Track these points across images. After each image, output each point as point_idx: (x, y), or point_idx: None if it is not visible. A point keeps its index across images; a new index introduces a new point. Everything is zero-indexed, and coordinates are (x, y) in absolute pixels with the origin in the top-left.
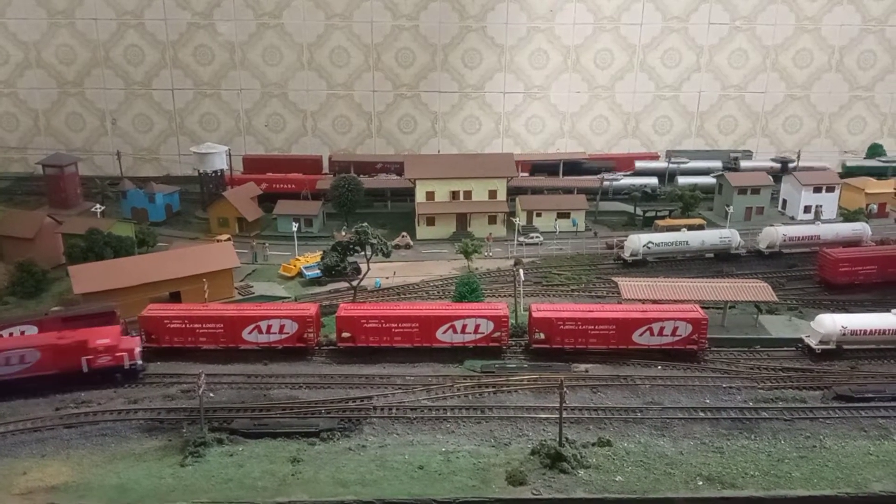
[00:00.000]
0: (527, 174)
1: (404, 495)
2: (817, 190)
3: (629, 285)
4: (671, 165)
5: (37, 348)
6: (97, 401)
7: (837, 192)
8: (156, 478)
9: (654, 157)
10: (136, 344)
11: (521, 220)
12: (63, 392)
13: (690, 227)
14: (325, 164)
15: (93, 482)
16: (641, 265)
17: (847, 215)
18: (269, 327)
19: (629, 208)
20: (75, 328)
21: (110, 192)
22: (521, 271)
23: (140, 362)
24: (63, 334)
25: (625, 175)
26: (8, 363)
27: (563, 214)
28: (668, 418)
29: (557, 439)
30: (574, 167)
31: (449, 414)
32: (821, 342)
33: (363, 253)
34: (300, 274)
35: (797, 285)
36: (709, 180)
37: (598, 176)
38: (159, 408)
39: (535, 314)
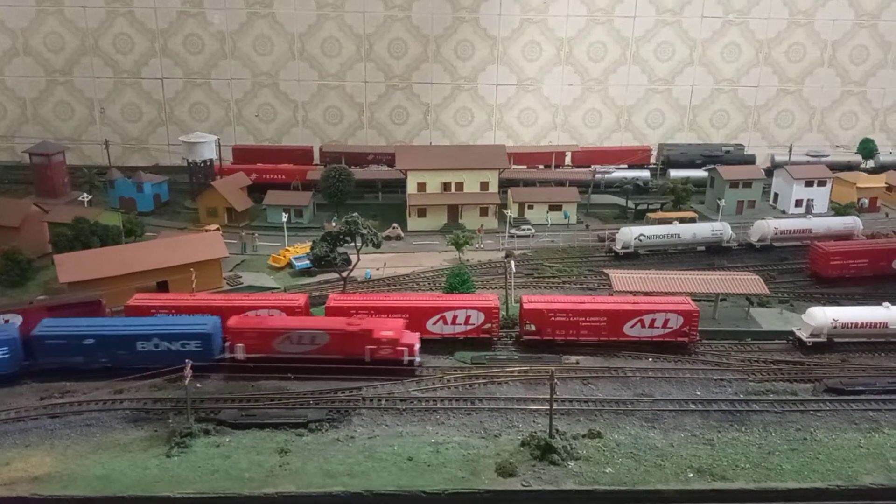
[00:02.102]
0: (523, 166)
1: (393, 487)
2: (809, 184)
3: (621, 277)
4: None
5: (327, 332)
6: (82, 390)
7: (829, 186)
8: (141, 468)
9: (647, 151)
10: (415, 339)
11: (512, 213)
12: (51, 381)
13: (682, 220)
14: (316, 154)
15: (76, 472)
16: (633, 257)
17: (838, 209)
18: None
19: (621, 201)
20: (359, 318)
21: (98, 181)
22: (513, 263)
23: (418, 358)
24: (352, 321)
25: (617, 168)
26: (300, 342)
27: (554, 207)
28: (658, 410)
29: (548, 431)
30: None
31: (439, 405)
32: (812, 335)
33: (353, 243)
34: (290, 264)
35: (788, 278)
36: (701, 174)
37: (590, 168)
38: (145, 398)
39: (526, 306)
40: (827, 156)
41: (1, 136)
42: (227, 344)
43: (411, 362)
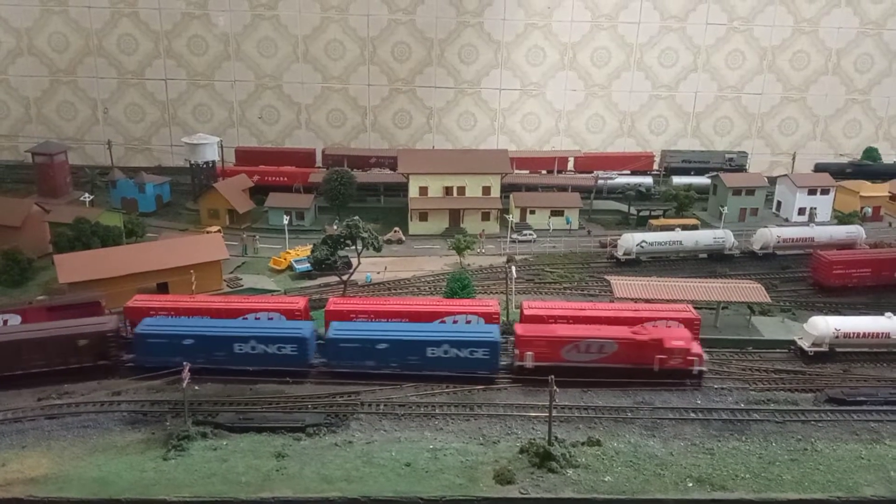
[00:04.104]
0: (526, 171)
1: (390, 493)
2: (812, 192)
3: (622, 284)
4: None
5: (616, 341)
6: (80, 392)
7: (832, 194)
8: (137, 471)
9: (650, 157)
10: (701, 349)
11: (514, 217)
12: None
13: (684, 227)
14: (319, 157)
15: (72, 474)
16: (634, 264)
17: (841, 218)
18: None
19: (623, 207)
20: (644, 327)
21: (100, 181)
22: (514, 268)
23: (704, 368)
24: (637, 330)
25: (619, 174)
26: (588, 350)
27: (556, 212)
28: (658, 419)
29: (546, 438)
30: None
31: (437, 411)
32: (813, 344)
33: (354, 247)
34: (290, 267)
35: (790, 287)
36: (703, 181)
37: (593, 174)
38: (143, 400)
39: (526, 311)
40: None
41: (4, 135)
42: (517, 352)
43: (700, 373)
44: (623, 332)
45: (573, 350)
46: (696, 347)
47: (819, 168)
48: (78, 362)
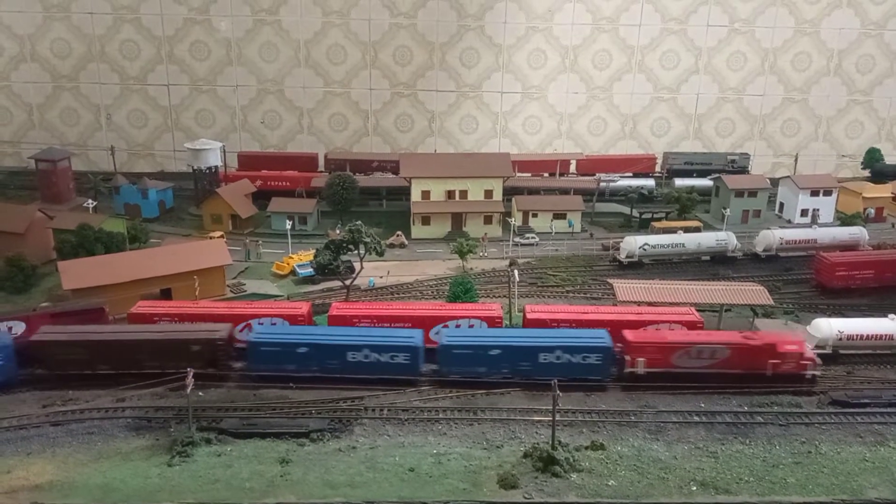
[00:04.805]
0: (528, 174)
1: (394, 498)
2: (815, 193)
3: (625, 287)
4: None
5: (728, 346)
6: (84, 398)
7: (835, 195)
8: (142, 477)
9: (652, 159)
10: (814, 353)
11: (516, 221)
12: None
13: (687, 230)
14: (321, 161)
15: (78, 481)
16: (637, 267)
17: (844, 219)
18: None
19: (625, 210)
20: (753, 332)
21: (103, 187)
22: (516, 272)
23: (818, 372)
24: (748, 335)
25: (621, 176)
26: (699, 356)
27: (559, 215)
28: (662, 422)
29: (550, 442)
30: None
31: (441, 415)
32: (817, 346)
33: (356, 251)
34: (293, 272)
35: (793, 289)
36: (706, 182)
37: (595, 177)
38: (147, 406)
39: (529, 315)
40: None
41: (7, 141)
42: (628, 358)
43: (813, 377)
44: (735, 337)
45: (684, 356)
46: (808, 352)
47: (876, 171)
48: (188, 367)
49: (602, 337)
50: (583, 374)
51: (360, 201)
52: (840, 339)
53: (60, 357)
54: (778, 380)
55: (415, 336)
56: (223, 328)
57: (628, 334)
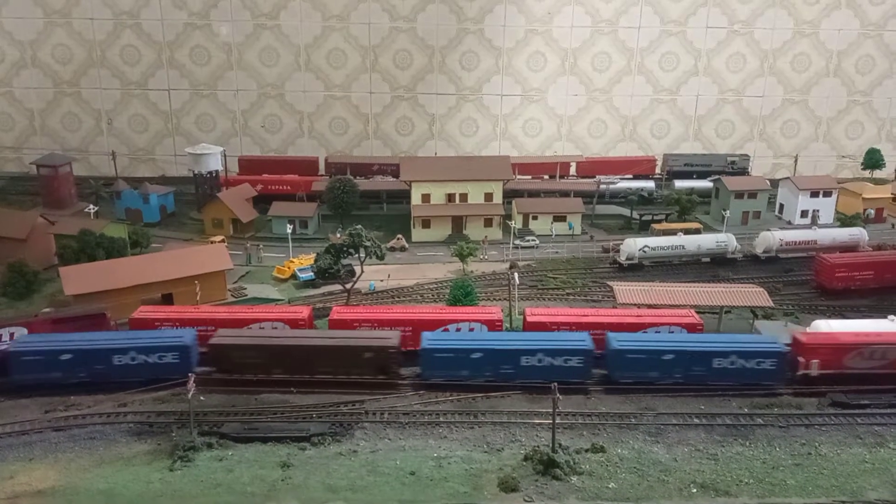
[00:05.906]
0: (528, 177)
1: (395, 501)
2: (814, 194)
3: (625, 289)
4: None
5: None
6: (86, 404)
7: (835, 196)
8: (144, 482)
9: (652, 161)
10: None
11: (517, 224)
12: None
13: (687, 231)
14: (322, 165)
15: (80, 486)
16: (637, 269)
17: (844, 220)
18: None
19: (625, 212)
20: None
21: (104, 192)
22: (517, 275)
23: None
24: None
25: (621, 178)
26: (872, 357)
27: (559, 217)
28: (662, 424)
29: (550, 445)
30: None
31: (441, 419)
32: None
33: (357, 255)
34: (294, 276)
35: (793, 290)
36: (705, 184)
37: (595, 179)
38: (148, 411)
39: (529, 318)
40: None
41: (9, 147)
42: (801, 360)
43: None
44: None
45: (857, 357)
46: None
47: None
48: (360, 374)
49: (774, 343)
50: (756, 379)
51: (360, 205)
52: None
53: (237, 360)
54: None
55: (586, 339)
56: (394, 335)
57: (800, 336)
